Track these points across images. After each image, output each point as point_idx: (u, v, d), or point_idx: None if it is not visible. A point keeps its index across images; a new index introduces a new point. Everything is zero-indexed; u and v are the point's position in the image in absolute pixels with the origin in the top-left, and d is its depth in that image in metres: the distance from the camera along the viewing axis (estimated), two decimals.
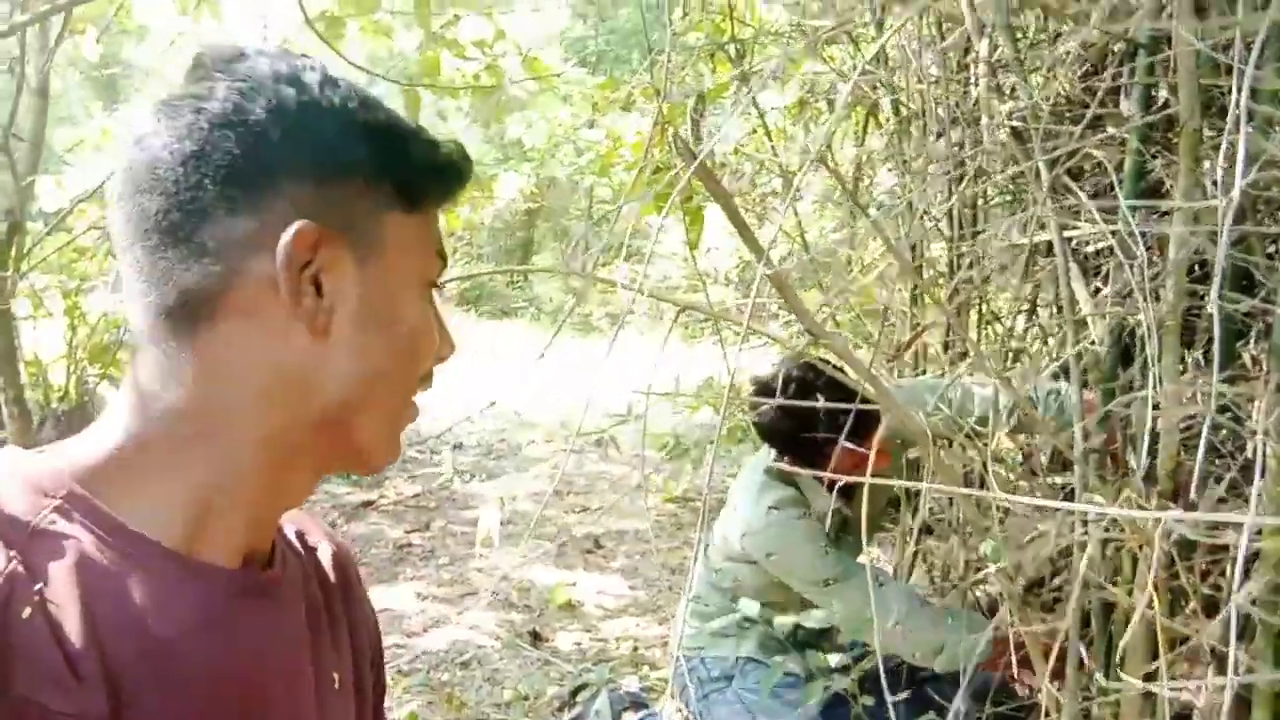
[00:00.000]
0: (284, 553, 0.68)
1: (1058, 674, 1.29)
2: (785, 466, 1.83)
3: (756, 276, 1.33)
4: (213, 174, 0.56)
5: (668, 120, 3.39)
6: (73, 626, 0.52)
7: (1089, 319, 1.47)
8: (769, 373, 1.82)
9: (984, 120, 1.56)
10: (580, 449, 4.70)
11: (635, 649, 2.76)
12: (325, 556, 0.73)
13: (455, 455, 4.98)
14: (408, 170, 0.61)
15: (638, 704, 2.21)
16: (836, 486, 1.77)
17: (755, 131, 3.42)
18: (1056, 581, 1.76)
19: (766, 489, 1.87)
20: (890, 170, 2.76)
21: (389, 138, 0.61)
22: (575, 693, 2.42)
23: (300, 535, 0.72)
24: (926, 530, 2.20)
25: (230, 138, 0.56)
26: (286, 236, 0.56)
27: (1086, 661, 1.28)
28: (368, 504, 4.10)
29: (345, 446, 0.63)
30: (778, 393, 1.72)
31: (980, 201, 2.26)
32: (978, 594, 2.08)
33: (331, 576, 0.73)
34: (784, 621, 1.87)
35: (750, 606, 1.90)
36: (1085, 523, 1.33)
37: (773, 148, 3.36)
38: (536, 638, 2.81)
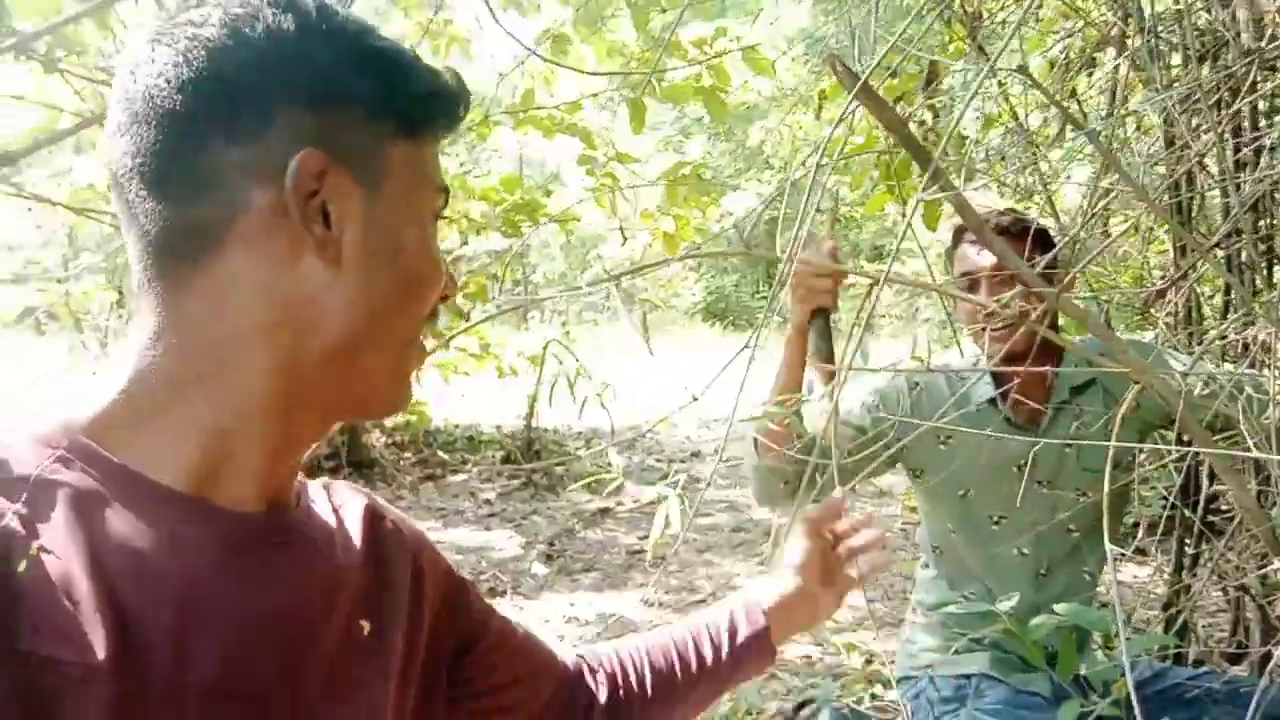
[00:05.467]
0: (308, 506, 0.66)
1: None
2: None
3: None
4: (209, 100, 0.55)
5: (899, 96, 3.12)
6: (79, 576, 0.51)
7: None
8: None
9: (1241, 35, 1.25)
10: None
11: (868, 663, 2.52)
12: (354, 511, 0.71)
13: (693, 464, 4.92)
14: (409, 98, 0.60)
15: None
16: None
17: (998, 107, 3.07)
18: None
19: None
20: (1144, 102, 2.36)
21: (389, 65, 0.59)
22: (799, 708, 2.24)
23: (328, 491, 0.71)
24: (1209, 526, 1.83)
25: (227, 63, 0.55)
26: (293, 164, 0.55)
27: None
28: (604, 511, 4.11)
29: (353, 386, 0.61)
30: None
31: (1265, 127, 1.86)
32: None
33: (359, 531, 0.69)
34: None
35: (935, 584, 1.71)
36: None
37: (1013, 111, 2.99)
38: None
